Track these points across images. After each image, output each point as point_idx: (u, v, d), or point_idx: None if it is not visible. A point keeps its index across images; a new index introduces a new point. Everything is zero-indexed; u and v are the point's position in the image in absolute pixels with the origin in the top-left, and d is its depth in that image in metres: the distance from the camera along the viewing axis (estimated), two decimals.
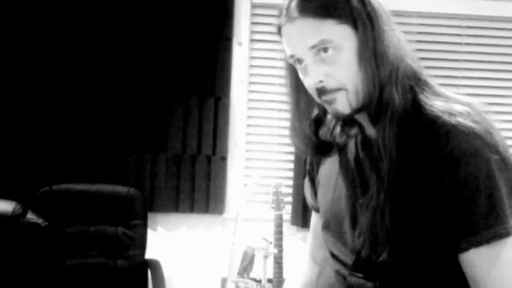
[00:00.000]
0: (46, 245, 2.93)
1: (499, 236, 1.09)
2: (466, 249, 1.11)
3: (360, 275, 1.25)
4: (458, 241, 1.12)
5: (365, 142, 1.26)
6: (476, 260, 1.11)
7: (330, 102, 1.20)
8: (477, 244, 1.10)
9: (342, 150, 1.32)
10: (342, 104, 1.19)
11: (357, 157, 1.28)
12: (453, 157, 1.11)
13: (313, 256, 1.51)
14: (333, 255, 1.35)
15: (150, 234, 3.28)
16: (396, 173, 1.17)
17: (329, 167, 1.36)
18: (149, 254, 3.22)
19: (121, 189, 3.21)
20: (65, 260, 3.05)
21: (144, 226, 3.20)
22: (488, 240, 1.09)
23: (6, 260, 2.49)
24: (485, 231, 1.09)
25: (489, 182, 1.10)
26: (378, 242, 1.19)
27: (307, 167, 1.47)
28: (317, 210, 1.44)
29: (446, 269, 1.17)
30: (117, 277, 3.12)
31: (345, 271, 1.29)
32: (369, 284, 1.23)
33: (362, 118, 1.24)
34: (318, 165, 1.42)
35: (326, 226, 1.36)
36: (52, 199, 3.12)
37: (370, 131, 1.24)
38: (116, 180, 3.25)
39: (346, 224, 1.28)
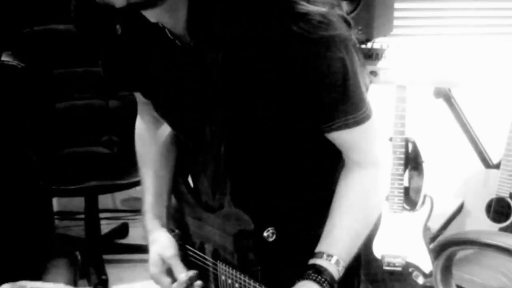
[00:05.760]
0: (33, 88, 2.86)
1: (358, 122, 1.12)
2: (328, 132, 1.14)
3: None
4: (319, 125, 1.13)
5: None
6: (340, 136, 1.15)
7: None
8: (338, 128, 1.12)
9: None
10: None
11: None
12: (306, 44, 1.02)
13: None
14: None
15: None
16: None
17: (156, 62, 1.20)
18: None
19: None
20: (55, 102, 2.99)
21: None
22: (348, 126, 1.12)
23: None
24: (344, 117, 1.11)
25: (345, 70, 1.07)
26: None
27: None
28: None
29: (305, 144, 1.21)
30: (110, 117, 3.08)
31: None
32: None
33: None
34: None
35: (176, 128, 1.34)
36: (35, 41, 2.98)
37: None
38: None
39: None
